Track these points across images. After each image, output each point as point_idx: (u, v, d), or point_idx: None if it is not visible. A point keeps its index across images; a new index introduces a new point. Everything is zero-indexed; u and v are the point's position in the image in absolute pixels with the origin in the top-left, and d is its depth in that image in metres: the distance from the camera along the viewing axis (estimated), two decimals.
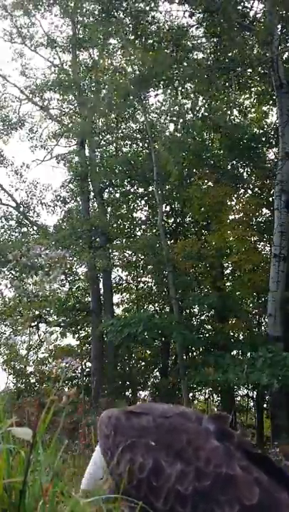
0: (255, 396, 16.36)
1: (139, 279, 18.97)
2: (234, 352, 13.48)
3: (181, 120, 16.11)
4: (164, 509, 1.56)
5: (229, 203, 15.87)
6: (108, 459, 1.73)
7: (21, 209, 18.65)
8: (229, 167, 17.13)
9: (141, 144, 18.19)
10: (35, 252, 1.68)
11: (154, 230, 17.84)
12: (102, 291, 17.99)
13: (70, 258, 15.85)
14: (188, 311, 17.12)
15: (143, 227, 19.10)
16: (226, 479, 1.54)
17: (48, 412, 1.74)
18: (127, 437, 1.68)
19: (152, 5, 14.72)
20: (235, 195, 16.50)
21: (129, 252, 17.55)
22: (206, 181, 16.34)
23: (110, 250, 16.91)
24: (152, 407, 1.82)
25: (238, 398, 17.95)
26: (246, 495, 1.52)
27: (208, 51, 15.22)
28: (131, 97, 15.32)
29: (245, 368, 10.68)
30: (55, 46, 18.71)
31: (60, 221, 18.70)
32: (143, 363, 18.76)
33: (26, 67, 19.12)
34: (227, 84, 14.99)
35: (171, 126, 17.03)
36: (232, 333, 15.44)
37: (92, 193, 18.83)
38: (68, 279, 18.27)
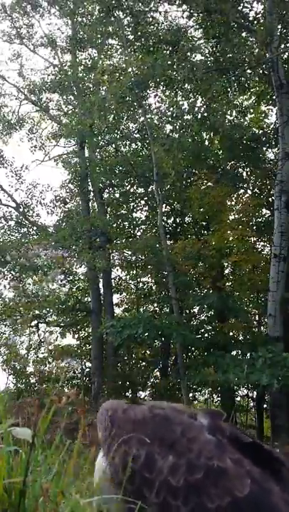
0: (255, 396, 16.35)
1: (139, 279, 18.96)
2: (234, 352, 13.47)
3: (179, 121, 16.10)
4: (156, 501, 1.57)
5: (229, 203, 15.86)
6: (106, 452, 1.75)
7: (21, 209, 18.64)
8: (229, 167, 17.13)
9: (140, 144, 18.17)
10: (34, 253, 1.68)
11: (154, 230, 17.83)
12: (101, 291, 17.98)
13: (70, 258, 15.85)
14: (188, 311, 17.11)
15: (143, 227, 19.09)
16: (217, 472, 1.56)
17: (47, 413, 1.74)
18: (122, 431, 1.70)
19: (152, 5, 14.72)
20: (235, 195, 16.50)
21: (129, 252, 17.54)
22: (205, 181, 16.33)
23: (110, 250, 16.90)
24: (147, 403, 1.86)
25: (238, 398, 17.93)
26: (237, 487, 1.53)
27: (207, 52, 15.22)
28: (130, 98, 15.29)
29: (245, 368, 10.69)
30: (55, 45, 18.67)
31: (60, 221, 18.70)
32: (143, 363, 18.75)
33: (25, 68, 19.15)
34: (226, 85, 14.99)
35: (169, 127, 17.04)
36: (232, 334, 15.43)
37: (91, 193, 18.82)
38: (68, 279, 18.26)
